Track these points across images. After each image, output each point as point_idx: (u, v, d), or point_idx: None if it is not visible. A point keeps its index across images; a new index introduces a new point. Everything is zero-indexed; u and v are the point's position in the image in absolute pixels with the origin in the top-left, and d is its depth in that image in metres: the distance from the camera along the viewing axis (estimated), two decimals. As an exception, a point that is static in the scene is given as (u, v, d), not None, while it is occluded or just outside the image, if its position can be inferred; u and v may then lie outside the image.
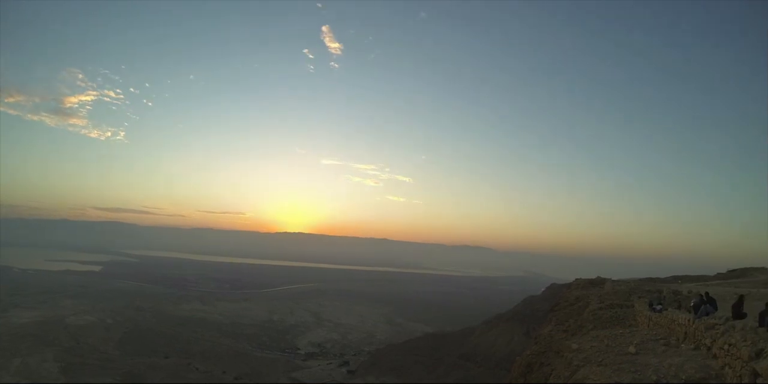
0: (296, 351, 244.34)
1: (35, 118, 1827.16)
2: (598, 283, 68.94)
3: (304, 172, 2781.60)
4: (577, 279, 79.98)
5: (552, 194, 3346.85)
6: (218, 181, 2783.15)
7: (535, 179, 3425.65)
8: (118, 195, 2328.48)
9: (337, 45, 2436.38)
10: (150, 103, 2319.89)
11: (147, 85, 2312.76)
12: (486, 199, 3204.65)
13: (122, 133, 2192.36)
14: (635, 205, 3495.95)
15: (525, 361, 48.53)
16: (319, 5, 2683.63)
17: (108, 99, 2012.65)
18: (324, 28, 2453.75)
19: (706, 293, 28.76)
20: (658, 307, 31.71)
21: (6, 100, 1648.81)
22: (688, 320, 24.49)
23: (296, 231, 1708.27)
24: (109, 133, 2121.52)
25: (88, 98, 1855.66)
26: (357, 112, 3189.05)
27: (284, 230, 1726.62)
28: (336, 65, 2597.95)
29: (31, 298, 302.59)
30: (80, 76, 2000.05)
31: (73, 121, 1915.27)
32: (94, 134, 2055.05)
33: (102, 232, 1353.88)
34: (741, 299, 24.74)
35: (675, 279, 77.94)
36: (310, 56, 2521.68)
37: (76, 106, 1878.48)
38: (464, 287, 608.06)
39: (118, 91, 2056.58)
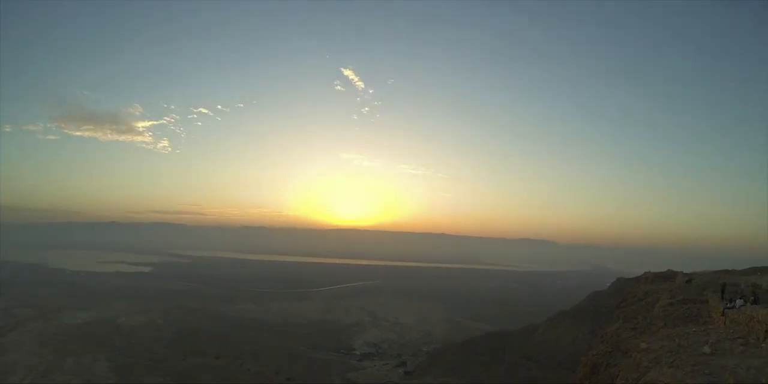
0: (351, 351, 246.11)
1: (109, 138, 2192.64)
2: (669, 276, 66.34)
3: (352, 173, 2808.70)
4: (645, 272, 77.32)
5: (618, 183, 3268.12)
6: (267, 181, 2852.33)
7: (599, 168, 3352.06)
8: (169, 198, 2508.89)
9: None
10: (199, 123, 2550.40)
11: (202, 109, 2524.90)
12: (548, 190, 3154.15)
13: (179, 149, 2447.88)
14: (709, 193, 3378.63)
15: (590, 362, 47.33)
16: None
17: (165, 121, 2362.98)
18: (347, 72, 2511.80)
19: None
20: (740, 302, 29.69)
21: (83, 127, 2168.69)
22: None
23: (350, 227, 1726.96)
24: (168, 147, 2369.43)
25: (149, 124, 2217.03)
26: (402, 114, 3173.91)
27: (337, 226, 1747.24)
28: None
29: (83, 300, 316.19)
30: (141, 109, 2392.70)
31: (138, 138, 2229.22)
32: (156, 148, 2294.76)
33: (151, 234, 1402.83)
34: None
35: (754, 271, 74.04)
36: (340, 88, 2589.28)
37: (141, 129, 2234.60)
38: (526, 283, 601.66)
39: (174, 116, 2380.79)
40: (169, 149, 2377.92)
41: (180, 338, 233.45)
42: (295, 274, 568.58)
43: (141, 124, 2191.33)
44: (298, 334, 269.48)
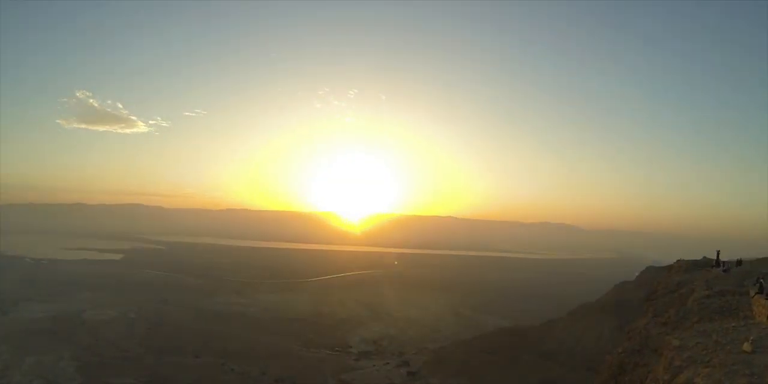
0: (347, 349, 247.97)
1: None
2: (705, 265, 66.08)
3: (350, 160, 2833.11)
4: (678, 260, 77.11)
5: (649, 162, 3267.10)
6: (255, 159, 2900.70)
7: (626, 145, 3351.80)
8: (144, 179, 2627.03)
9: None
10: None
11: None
12: (569, 169, 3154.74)
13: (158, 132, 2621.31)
14: (749, 174, 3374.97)
15: (616, 361, 47.56)
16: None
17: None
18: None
19: None
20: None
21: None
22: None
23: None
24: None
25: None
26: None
27: (330, 210, 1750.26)
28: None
29: (45, 291, 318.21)
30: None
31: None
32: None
33: (123, 217, 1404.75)
34: None
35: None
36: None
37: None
38: (544, 272, 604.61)
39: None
40: (147, 131, 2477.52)
41: (154, 334, 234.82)
42: (284, 262, 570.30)
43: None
44: (288, 329, 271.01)
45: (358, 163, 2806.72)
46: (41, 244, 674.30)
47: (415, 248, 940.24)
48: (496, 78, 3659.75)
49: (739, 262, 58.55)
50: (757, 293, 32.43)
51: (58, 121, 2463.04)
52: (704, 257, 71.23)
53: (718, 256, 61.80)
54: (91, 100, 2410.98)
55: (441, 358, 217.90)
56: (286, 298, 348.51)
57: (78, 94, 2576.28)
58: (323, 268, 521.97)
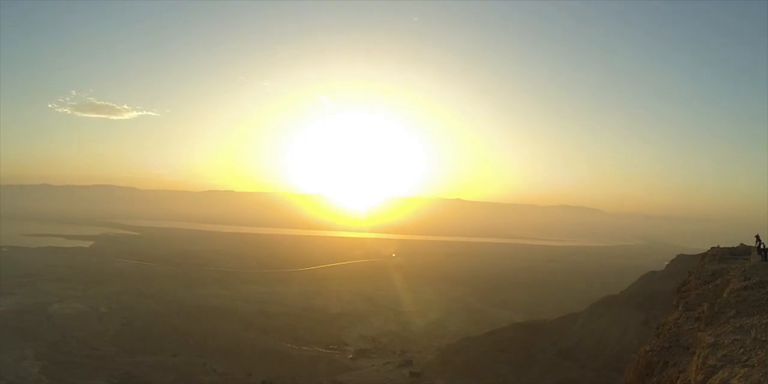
0: (343, 347, 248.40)
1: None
2: (742, 252, 65.50)
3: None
4: (712, 248, 76.41)
5: (679, 138, 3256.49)
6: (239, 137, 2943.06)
7: (656, 121, 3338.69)
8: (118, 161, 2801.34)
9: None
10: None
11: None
12: (589, 148, 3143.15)
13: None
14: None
15: (643, 360, 46.63)
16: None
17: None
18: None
19: None
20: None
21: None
22: None
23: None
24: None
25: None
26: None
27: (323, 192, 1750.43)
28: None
29: (7, 282, 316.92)
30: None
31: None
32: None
33: (92, 199, 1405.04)
34: None
35: None
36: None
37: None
38: (563, 261, 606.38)
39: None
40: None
41: (127, 331, 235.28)
42: (272, 250, 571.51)
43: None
44: (276, 325, 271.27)
45: (353, 142, 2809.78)
46: (1, 230, 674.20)
47: (418, 234, 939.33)
48: (514, 52, 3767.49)
49: None
50: None
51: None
52: (741, 244, 70.73)
53: (758, 241, 61.25)
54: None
55: (448, 357, 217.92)
56: (275, 290, 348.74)
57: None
58: (316, 257, 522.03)
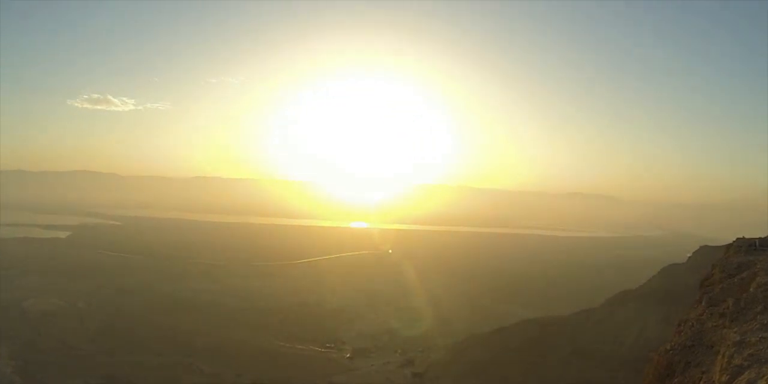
0: (340, 346, 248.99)
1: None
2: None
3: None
4: (738, 239, 76.00)
5: (701, 123, 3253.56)
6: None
7: (672, 104, 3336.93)
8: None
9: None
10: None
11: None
12: (607, 131, 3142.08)
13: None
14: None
15: (664, 360, 46.38)
16: None
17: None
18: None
19: None
20: None
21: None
22: None
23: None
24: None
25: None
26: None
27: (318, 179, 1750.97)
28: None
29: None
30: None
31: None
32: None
33: (71, 186, 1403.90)
34: None
35: None
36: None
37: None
38: (577, 253, 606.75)
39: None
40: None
41: (108, 328, 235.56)
42: (263, 241, 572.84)
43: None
44: (267, 322, 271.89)
45: (351, 125, 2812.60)
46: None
47: (422, 224, 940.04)
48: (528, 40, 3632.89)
49: None
50: None
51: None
52: (770, 235, 70.36)
53: None
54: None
55: (453, 356, 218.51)
56: (266, 285, 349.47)
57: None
58: (310, 248, 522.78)
